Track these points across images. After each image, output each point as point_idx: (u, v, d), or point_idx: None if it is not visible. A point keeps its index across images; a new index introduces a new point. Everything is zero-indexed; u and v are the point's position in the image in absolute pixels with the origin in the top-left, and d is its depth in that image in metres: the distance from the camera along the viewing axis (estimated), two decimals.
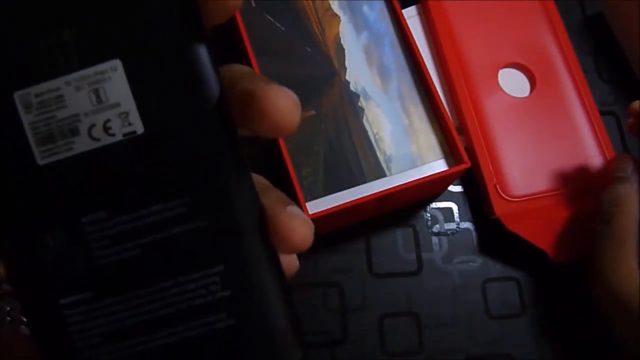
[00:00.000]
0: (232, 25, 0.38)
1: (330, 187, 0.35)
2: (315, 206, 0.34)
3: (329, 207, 0.33)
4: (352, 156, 0.36)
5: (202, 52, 0.16)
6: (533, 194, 0.38)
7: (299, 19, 0.39)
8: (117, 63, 0.15)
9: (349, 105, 0.37)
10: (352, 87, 0.37)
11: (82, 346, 0.16)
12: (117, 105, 0.16)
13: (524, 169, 0.39)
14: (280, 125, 0.15)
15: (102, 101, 0.16)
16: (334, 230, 0.38)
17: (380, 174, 0.35)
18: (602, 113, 0.42)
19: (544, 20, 0.43)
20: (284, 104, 0.15)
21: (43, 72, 0.15)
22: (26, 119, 0.15)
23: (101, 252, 0.16)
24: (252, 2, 0.38)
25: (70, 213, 0.16)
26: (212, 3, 0.15)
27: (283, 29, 0.38)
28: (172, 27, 0.16)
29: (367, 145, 0.36)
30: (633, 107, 0.36)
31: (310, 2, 0.39)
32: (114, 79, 0.15)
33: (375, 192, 0.33)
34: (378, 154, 0.36)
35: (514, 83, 0.41)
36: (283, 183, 0.35)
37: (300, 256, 0.41)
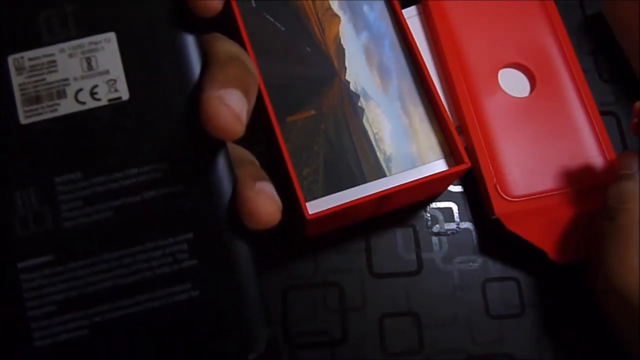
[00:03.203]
0: (232, 25, 0.38)
1: (330, 187, 0.35)
2: (315, 206, 0.34)
3: (329, 207, 0.33)
4: (352, 156, 0.36)
5: (189, 36, 0.17)
6: (533, 194, 0.38)
7: (299, 19, 0.39)
8: (111, 35, 0.16)
9: (349, 105, 0.37)
10: (352, 87, 0.37)
11: (36, 315, 0.16)
12: (107, 72, 0.16)
13: (524, 169, 0.39)
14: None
15: (92, 68, 0.16)
16: (334, 230, 0.38)
17: (380, 174, 0.35)
18: (602, 113, 0.42)
19: (544, 20, 0.43)
20: (223, 122, 0.16)
21: (40, 39, 0.16)
22: (16, 80, 0.16)
23: (71, 214, 0.16)
24: (252, 2, 0.38)
25: (45, 172, 0.16)
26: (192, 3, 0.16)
27: (283, 29, 0.38)
28: (165, 10, 0.17)
29: (367, 145, 0.36)
30: (636, 107, 0.36)
31: (310, 2, 0.39)
32: (106, 49, 0.16)
33: (375, 192, 0.33)
34: (378, 154, 0.36)
35: (514, 83, 0.41)
36: (283, 183, 0.35)
37: (300, 256, 0.41)
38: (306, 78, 0.37)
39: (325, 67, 0.38)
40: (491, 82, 0.41)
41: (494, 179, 0.38)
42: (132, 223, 0.16)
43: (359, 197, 0.33)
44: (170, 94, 0.17)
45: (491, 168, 0.38)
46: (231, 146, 0.18)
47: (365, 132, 0.36)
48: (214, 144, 0.17)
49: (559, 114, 0.40)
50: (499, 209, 0.37)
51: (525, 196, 0.38)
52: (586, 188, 0.39)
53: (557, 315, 0.38)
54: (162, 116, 0.16)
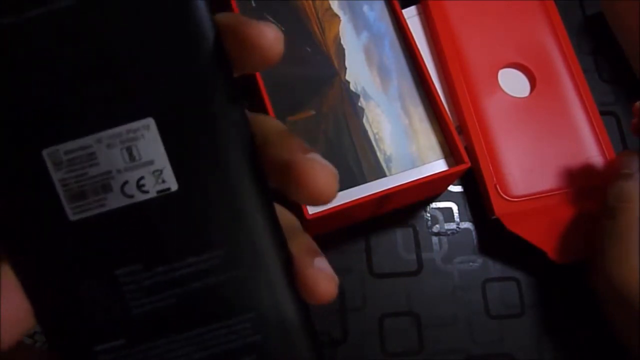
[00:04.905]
0: None
1: None
2: (315, 206, 0.34)
3: (329, 207, 0.33)
4: (352, 156, 0.36)
5: (235, 113, 0.16)
6: (533, 194, 0.38)
7: (299, 19, 0.39)
8: (150, 121, 0.15)
9: (349, 105, 0.37)
10: (352, 87, 0.37)
11: None
12: (151, 163, 0.16)
13: (524, 169, 0.39)
14: (318, 199, 0.16)
15: (135, 159, 0.16)
16: (334, 230, 0.38)
17: (380, 174, 0.35)
18: (602, 113, 0.42)
19: (544, 20, 0.43)
20: (323, 181, 0.15)
21: (73, 130, 0.15)
22: (56, 175, 0.15)
23: (136, 302, 0.16)
24: (252, 2, 0.39)
25: (104, 267, 0.16)
26: (247, 53, 0.15)
27: (283, 29, 0.38)
28: (204, 86, 0.16)
29: (367, 145, 0.36)
30: (637, 106, 0.36)
31: (310, 2, 0.39)
32: (147, 137, 0.15)
33: (375, 192, 0.33)
34: (378, 154, 0.36)
35: (514, 83, 0.41)
36: None
37: None
38: (306, 78, 0.37)
39: (325, 67, 0.38)
40: (491, 82, 0.41)
41: (494, 179, 0.38)
42: (196, 307, 0.17)
43: (359, 197, 0.33)
44: (220, 180, 0.16)
45: (491, 168, 0.38)
46: (278, 210, 0.17)
47: (365, 132, 0.36)
48: (269, 227, 0.17)
49: (559, 114, 0.40)
50: (499, 209, 0.37)
51: (525, 196, 0.38)
52: (586, 188, 0.39)
53: (557, 315, 0.38)
54: (214, 204, 0.16)
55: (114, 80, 0.15)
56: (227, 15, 0.16)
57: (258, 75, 0.36)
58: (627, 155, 0.36)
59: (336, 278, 0.17)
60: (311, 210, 0.33)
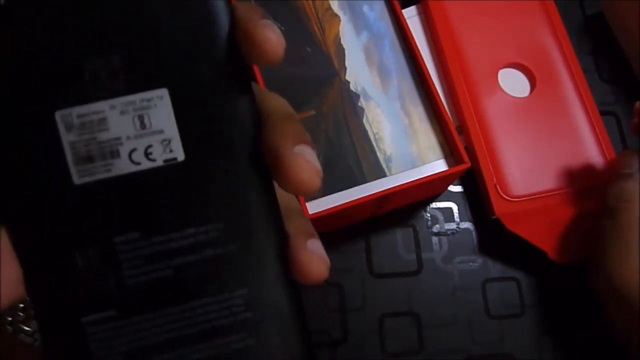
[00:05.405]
0: None
1: (330, 187, 0.35)
2: (315, 206, 0.34)
3: (329, 207, 0.33)
4: (352, 156, 0.36)
5: (244, 92, 0.17)
6: (533, 194, 0.38)
7: (299, 19, 0.39)
8: (164, 92, 0.16)
9: (349, 105, 0.37)
10: (352, 87, 0.37)
11: None
12: (161, 132, 0.16)
13: (524, 169, 0.39)
14: (300, 192, 0.16)
15: (145, 127, 0.16)
16: (334, 230, 0.38)
17: (380, 174, 0.35)
18: (602, 113, 0.42)
19: (544, 20, 0.43)
20: (305, 177, 0.16)
21: (88, 94, 0.16)
22: (66, 137, 0.16)
23: (131, 272, 0.16)
24: (252, 2, 0.39)
25: (103, 232, 0.16)
26: (250, 49, 0.16)
27: (283, 29, 0.38)
28: (217, 64, 0.16)
29: (367, 145, 0.36)
30: (637, 106, 0.36)
31: (310, 2, 0.39)
32: (159, 106, 0.16)
33: (375, 192, 0.33)
34: (378, 154, 0.36)
35: (514, 83, 0.41)
36: None
37: None
38: (306, 78, 0.37)
39: (325, 67, 0.38)
40: (491, 82, 0.41)
41: (494, 179, 0.38)
42: (191, 280, 0.17)
43: (359, 197, 0.33)
44: (225, 154, 0.16)
45: (491, 168, 0.38)
46: (278, 192, 0.18)
47: (365, 132, 0.36)
48: (267, 205, 0.17)
49: (559, 114, 0.40)
50: (499, 209, 0.37)
51: (525, 196, 0.38)
52: (586, 188, 0.39)
53: (557, 315, 0.38)
54: (218, 177, 0.16)
55: (132, 50, 0.16)
56: (240, 7, 0.17)
57: (258, 75, 0.36)
58: (627, 155, 0.36)
59: (327, 260, 0.18)
60: (311, 210, 0.33)
